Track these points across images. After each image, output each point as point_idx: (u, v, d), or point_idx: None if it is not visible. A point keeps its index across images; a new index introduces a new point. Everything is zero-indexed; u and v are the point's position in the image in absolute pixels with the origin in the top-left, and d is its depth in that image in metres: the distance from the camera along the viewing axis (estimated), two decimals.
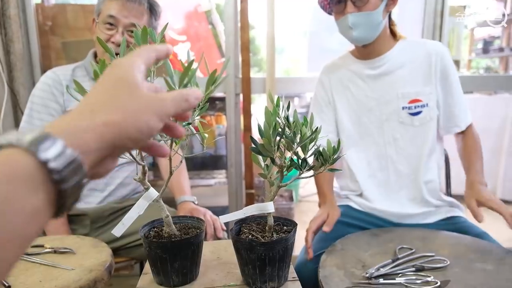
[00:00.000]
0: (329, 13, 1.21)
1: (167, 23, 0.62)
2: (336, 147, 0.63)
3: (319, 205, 1.17)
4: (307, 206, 3.16)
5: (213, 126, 2.11)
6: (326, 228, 0.97)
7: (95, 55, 1.30)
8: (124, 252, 1.24)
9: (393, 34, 1.22)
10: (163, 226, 0.70)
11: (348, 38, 1.17)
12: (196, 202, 1.28)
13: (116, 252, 1.14)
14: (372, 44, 1.17)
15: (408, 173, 1.20)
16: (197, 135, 0.62)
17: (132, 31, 1.10)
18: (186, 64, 0.52)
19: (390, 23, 1.21)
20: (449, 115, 1.20)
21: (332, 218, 1.02)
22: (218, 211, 1.19)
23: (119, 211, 1.28)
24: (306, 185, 3.44)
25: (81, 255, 0.89)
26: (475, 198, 1.02)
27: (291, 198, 2.28)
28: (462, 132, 1.22)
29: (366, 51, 1.21)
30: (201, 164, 2.22)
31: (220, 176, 2.36)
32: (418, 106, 1.18)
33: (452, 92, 1.19)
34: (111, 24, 1.18)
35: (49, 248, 0.91)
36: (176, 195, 1.28)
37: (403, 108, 1.18)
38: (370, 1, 1.09)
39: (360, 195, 1.25)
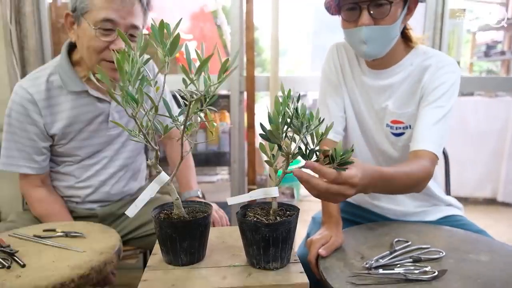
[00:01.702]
0: (333, 14, 1.09)
1: (181, 19, 0.66)
2: (349, 150, 0.65)
3: (323, 223, 1.04)
4: (308, 205, 3.19)
5: (217, 123, 2.15)
6: (322, 252, 0.89)
7: (69, 52, 1.14)
8: (130, 241, 1.27)
9: (408, 38, 1.09)
10: (173, 210, 0.74)
11: (358, 51, 1.05)
12: (201, 196, 1.32)
13: (123, 242, 1.15)
14: (382, 57, 1.05)
15: None
16: (200, 132, 0.66)
17: (131, 35, 1.04)
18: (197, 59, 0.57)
19: (405, 27, 1.07)
20: (415, 131, 1.02)
21: (333, 244, 0.92)
22: (221, 206, 1.23)
23: (127, 206, 1.26)
24: None
25: (91, 239, 0.93)
26: None
27: (292, 196, 2.32)
28: (415, 157, 0.99)
29: (373, 62, 1.10)
30: (205, 161, 2.26)
31: (223, 172, 2.40)
32: (400, 128, 1.09)
33: (424, 113, 1.01)
34: (108, 29, 1.01)
35: (60, 232, 0.95)
36: (182, 190, 1.31)
37: (386, 125, 1.11)
38: (391, 14, 0.95)
39: None
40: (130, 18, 1.03)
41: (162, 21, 0.60)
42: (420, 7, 1.90)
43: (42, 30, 1.74)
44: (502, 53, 3.78)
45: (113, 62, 1.03)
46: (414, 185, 0.94)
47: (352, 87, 1.16)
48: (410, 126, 1.08)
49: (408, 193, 1.08)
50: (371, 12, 0.96)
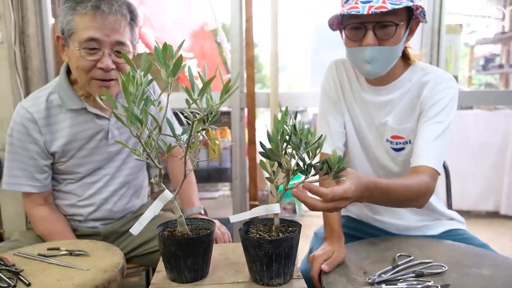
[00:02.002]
0: (334, 30, 1.11)
1: (184, 40, 0.69)
2: (342, 156, 0.68)
3: (325, 239, 1.04)
4: (310, 220, 3.18)
5: (218, 139, 2.17)
6: (325, 268, 0.89)
7: (68, 72, 1.16)
8: (133, 259, 1.27)
9: (407, 56, 1.10)
10: (176, 227, 0.75)
11: (361, 70, 1.06)
12: (203, 212, 1.32)
13: (126, 260, 1.15)
14: (382, 75, 1.06)
15: None
16: (202, 149, 0.68)
17: (118, 51, 1.05)
18: (198, 78, 0.58)
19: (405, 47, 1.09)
20: (415, 147, 1.03)
21: (336, 259, 0.92)
22: (223, 223, 1.23)
23: (130, 224, 1.25)
24: None
25: (95, 257, 0.93)
26: None
27: (294, 211, 2.32)
28: (415, 171, 1.00)
29: (374, 79, 1.10)
30: (206, 177, 2.27)
31: (224, 188, 2.40)
32: (400, 143, 1.10)
33: (423, 129, 1.03)
34: (93, 48, 1.02)
35: (64, 250, 0.95)
36: (184, 207, 1.31)
37: (386, 140, 1.12)
38: (396, 35, 0.96)
39: (359, 203, 1.26)
40: (115, 35, 1.04)
41: (165, 44, 0.62)
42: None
43: (46, 51, 1.78)
44: (500, 66, 3.82)
45: (101, 80, 1.07)
46: (414, 198, 0.94)
47: (351, 103, 1.18)
48: (410, 141, 1.09)
49: (408, 206, 1.07)
50: (376, 32, 0.96)
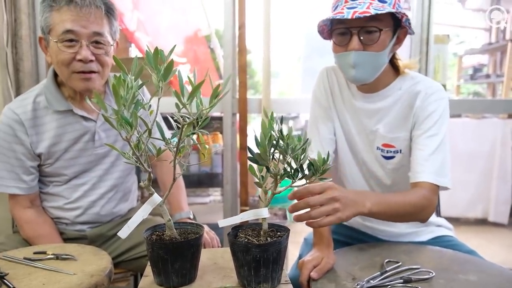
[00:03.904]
0: (325, 39, 1.13)
1: (175, 45, 0.69)
2: (326, 158, 0.70)
3: (314, 245, 1.03)
4: (300, 227, 3.16)
5: (209, 144, 2.17)
6: (314, 275, 0.89)
7: (55, 74, 1.16)
8: (121, 264, 1.26)
9: (396, 68, 1.12)
10: (165, 231, 0.74)
11: (347, 75, 1.07)
12: (192, 217, 1.32)
13: (114, 265, 1.14)
14: (369, 83, 1.08)
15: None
16: (193, 153, 0.68)
17: (96, 41, 1.06)
18: (189, 83, 0.59)
19: (394, 57, 1.11)
20: (415, 162, 1.04)
21: (325, 266, 0.92)
22: (213, 228, 1.23)
23: (117, 227, 1.23)
24: None
25: (82, 261, 0.92)
26: None
27: (285, 217, 2.32)
28: (417, 186, 1.02)
29: (363, 86, 1.12)
30: (197, 182, 2.27)
31: (215, 194, 2.40)
32: (391, 151, 1.11)
33: (418, 143, 1.04)
34: (71, 40, 1.04)
35: (51, 254, 0.94)
36: (173, 211, 1.31)
37: (377, 148, 1.13)
38: (380, 41, 0.98)
39: None
40: (91, 26, 1.05)
41: (156, 48, 0.63)
42: None
43: (38, 53, 1.77)
44: (487, 76, 3.91)
45: (82, 72, 1.07)
46: (415, 211, 0.97)
47: (342, 109, 1.19)
48: (401, 150, 1.10)
49: (412, 220, 1.06)
50: (361, 38, 0.99)
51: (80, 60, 1.05)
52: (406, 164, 1.10)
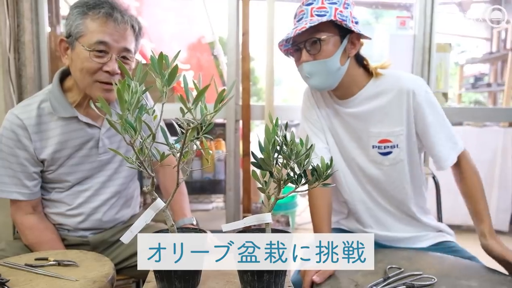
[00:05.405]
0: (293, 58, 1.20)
1: (179, 51, 0.70)
2: (329, 163, 0.70)
3: None
4: (302, 232, 3.17)
5: (213, 150, 2.17)
6: (316, 279, 0.92)
7: (61, 80, 1.17)
8: (123, 271, 1.26)
9: (368, 70, 1.17)
10: None
11: (308, 85, 1.18)
12: (195, 223, 1.31)
13: (116, 271, 1.13)
14: (339, 88, 1.15)
15: (393, 204, 1.21)
16: (196, 160, 0.68)
17: (124, 57, 1.10)
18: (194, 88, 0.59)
19: (362, 61, 1.17)
20: (432, 155, 1.16)
21: (327, 271, 0.95)
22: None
23: (120, 234, 1.24)
24: (303, 213, 3.46)
25: (84, 267, 0.91)
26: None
27: (287, 224, 2.31)
28: (456, 164, 1.17)
29: (336, 93, 1.19)
30: (200, 188, 2.26)
31: (218, 200, 2.39)
32: (388, 147, 1.15)
33: (430, 133, 1.13)
34: (101, 51, 1.06)
35: (53, 260, 0.94)
36: (176, 218, 1.30)
37: (373, 147, 1.16)
38: (323, 49, 1.07)
39: (348, 216, 1.28)
40: (123, 41, 1.08)
41: (161, 53, 0.63)
42: (409, 41, 2.00)
43: (41, 59, 1.78)
44: (488, 85, 3.92)
45: (105, 83, 1.08)
46: (481, 184, 1.15)
47: (330, 120, 1.23)
48: (397, 145, 1.15)
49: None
50: (309, 49, 1.09)
51: (106, 72, 1.07)
52: (403, 159, 1.16)
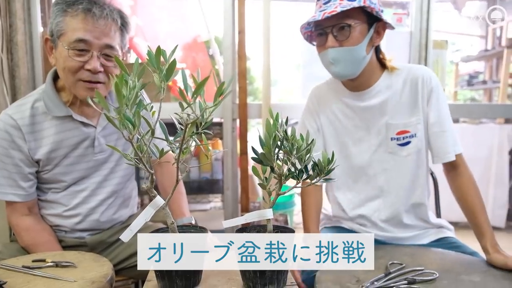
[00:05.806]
0: (312, 43, 1.19)
1: (177, 45, 0.69)
2: (330, 158, 0.69)
3: None
4: (301, 232, 3.16)
5: (210, 150, 2.16)
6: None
7: (54, 79, 1.15)
8: (122, 271, 1.24)
9: (383, 64, 1.17)
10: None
11: (330, 72, 1.14)
12: (194, 222, 1.30)
13: (115, 272, 1.12)
14: (358, 78, 1.13)
15: (398, 201, 1.20)
16: (193, 160, 0.67)
17: (106, 54, 1.06)
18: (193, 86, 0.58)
19: (380, 54, 1.17)
20: (435, 145, 1.14)
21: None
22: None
23: (118, 234, 1.22)
24: (300, 213, 3.46)
25: (82, 268, 0.90)
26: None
27: (286, 222, 2.31)
28: (453, 167, 1.14)
29: (353, 84, 1.17)
30: (198, 188, 2.25)
31: (216, 200, 2.38)
32: (407, 137, 1.15)
33: (442, 113, 1.13)
34: (82, 49, 1.03)
35: (50, 262, 0.92)
36: (175, 217, 1.29)
37: (391, 139, 1.16)
38: (352, 36, 1.04)
39: (349, 220, 1.27)
40: (105, 38, 1.04)
41: (159, 47, 0.62)
42: (405, 38, 2.00)
43: (34, 60, 1.76)
44: (484, 82, 3.94)
45: (88, 81, 1.06)
46: (478, 190, 1.12)
47: (333, 112, 1.22)
48: (415, 134, 1.15)
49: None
50: (335, 35, 1.06)
51: (88, 70, 1.04)
52: (421, 147, 1.16)
